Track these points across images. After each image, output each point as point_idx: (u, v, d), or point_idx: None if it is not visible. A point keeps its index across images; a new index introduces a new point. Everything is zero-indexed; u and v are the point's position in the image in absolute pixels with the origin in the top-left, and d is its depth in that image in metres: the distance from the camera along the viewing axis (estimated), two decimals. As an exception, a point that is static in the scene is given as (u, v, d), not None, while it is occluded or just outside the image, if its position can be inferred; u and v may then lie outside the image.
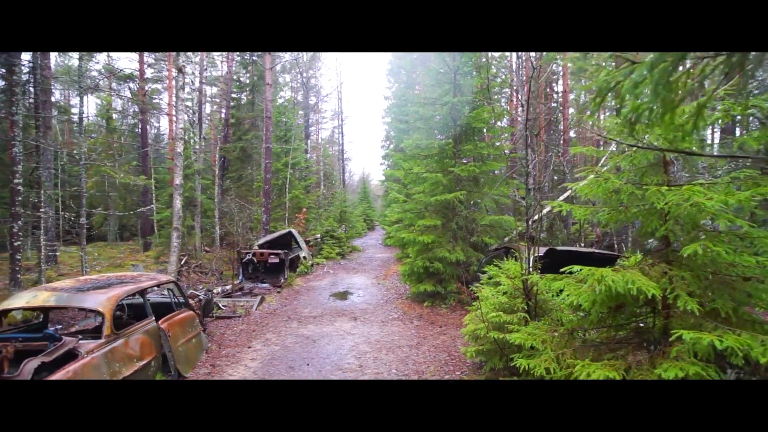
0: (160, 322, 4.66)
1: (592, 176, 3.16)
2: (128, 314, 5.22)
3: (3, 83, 13.76)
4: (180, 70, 8.73)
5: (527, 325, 4.03)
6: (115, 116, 25.82)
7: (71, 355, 3.50)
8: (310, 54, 27.38)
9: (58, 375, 3.23)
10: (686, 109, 1.66)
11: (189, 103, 21.06)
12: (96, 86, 18.57)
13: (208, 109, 25.88)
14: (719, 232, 2.82)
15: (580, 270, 3.05)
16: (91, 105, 29.60)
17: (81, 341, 3.66)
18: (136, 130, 27.13)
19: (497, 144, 10.25)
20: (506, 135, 11.58)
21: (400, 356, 5.18)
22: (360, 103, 69.23)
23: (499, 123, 10.70)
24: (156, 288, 5.44)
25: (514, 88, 16.27)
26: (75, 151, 8.50)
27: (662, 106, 1.07)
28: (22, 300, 3.97)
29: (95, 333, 4.33)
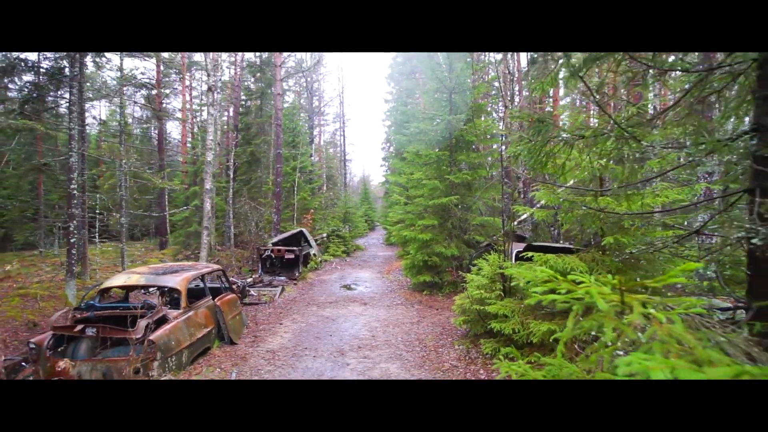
0: (215, 300, 5.91)
1: (542, 188, 4.41)
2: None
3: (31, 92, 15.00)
4: (210, 89, 9.99)
5: (502, 300, 5.29)
6: (127, 121, 26.97)
7: (164, 319, 4.76)
8: (314, 60, 28.62)
9: (161, 331, 4.48)
10: (564, 160, 2.91)
11: (208, 112, 22.13)
12: (128, 96, 19.76)
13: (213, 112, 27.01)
14: (626, 228, 4.07)
15: (531, 256, 4.31)
16: (102, 110, 30.83)
17: (168, 310, 4.92)
18: (149, 134, 28.42)
19: (492, 147, 11.53)
20: (496, 146, 12.82)
21: (404, 330, 6.44)
22: (361, 105, 70.56)
23: (494, 130, 11.90)
24: (209, 273, 6.67)
25: (508, 99, 17.54)
26: (123, 161, 9.72)
27: (534, 162, 2.29)
28: (120, 280, 5.23)
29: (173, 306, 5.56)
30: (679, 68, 1.93)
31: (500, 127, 14.21)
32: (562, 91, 19.50)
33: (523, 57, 18.53)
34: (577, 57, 1.74)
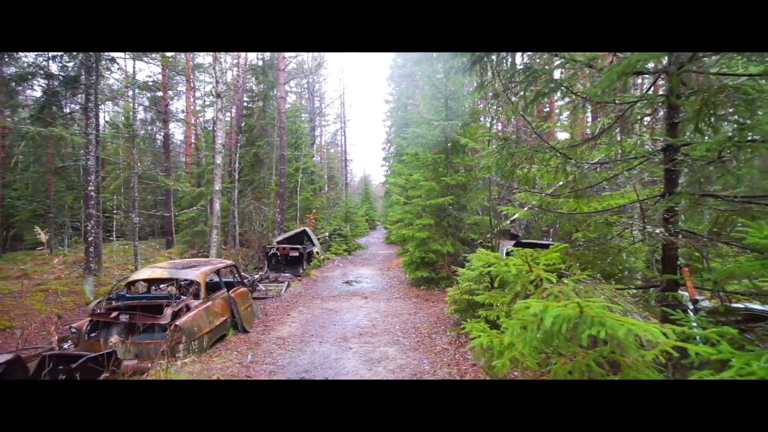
0: (229, 292, 6.49)
1: (521, 192, 4.98)
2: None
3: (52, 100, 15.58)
4: (218, 95, 10.56)
5: (489, 291, 5.86)
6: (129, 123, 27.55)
7: (187, 308, 5.33)
8: (316, 63, 29.18)
9: (185, 318, 5.06)
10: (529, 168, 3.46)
11: (212, 116, 22.64)
12: (134, 99, 20.39)
13: (214, 114, 27.58)
14: (591, 225, 4.63)
15: (513, 251, 4.87)
16: (106, 113, 31.41)
17: (191, 300, 5.50)
18: (153, 135, 29.00)
19: (483, 151, 12.09)
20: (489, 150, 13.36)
21: (402, 320, 7.02)
22: (362, 106, 71.14)
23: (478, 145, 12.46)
24: (223, 268, 7.25)
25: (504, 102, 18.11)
26: (138, 164, 10.29)
27: (503, 172, 2.84)
28: (145, 274, 5.81)
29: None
30: (609, 100, 2.46)
31: (497, 129, 14.78)
32: (558, 93, 20.10)
33: (519, 57, 19.01)
34: (528, 92, 2.27)
